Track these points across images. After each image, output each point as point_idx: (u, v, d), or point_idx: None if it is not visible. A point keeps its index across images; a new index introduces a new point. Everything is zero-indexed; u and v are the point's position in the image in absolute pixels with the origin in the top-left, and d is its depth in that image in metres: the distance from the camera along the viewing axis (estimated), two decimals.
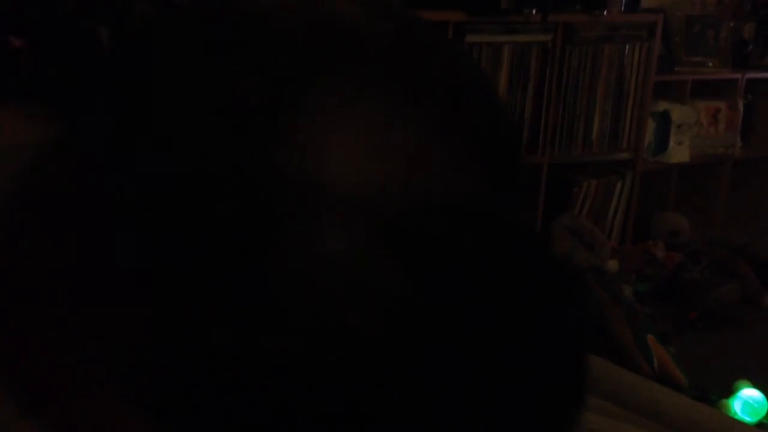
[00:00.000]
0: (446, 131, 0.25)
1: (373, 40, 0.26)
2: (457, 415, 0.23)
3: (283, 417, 0.22)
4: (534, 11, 2.58)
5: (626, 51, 2.90)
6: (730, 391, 2.07)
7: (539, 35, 2.66)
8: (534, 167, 2.79)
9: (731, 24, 3.50)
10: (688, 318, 2.58)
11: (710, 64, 3.38)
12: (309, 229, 0.22)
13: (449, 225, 0.23)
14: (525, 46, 2.63)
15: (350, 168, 0.23)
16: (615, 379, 1.20)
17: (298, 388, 0.22)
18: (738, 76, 3.44)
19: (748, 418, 2.00)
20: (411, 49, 0.26)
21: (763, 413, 2.01)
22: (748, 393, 2.04)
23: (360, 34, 0.25)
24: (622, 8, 2.92)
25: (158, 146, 0.23)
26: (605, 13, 2.77)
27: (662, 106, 3.15)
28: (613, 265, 2.89)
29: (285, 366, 0.22)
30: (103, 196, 0.24)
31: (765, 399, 2.02)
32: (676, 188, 3.36)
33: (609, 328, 2.35)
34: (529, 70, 2.67)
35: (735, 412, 2.01)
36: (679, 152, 3.23)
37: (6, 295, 0.26)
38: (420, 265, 0.23)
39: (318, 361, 0.22)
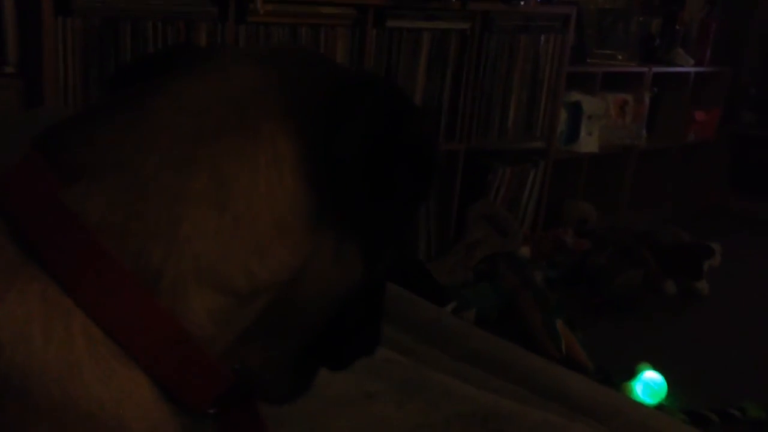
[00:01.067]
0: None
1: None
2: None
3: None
4: None
5: (541, 41, 2.96)
6: (632, 374, 2.15)
7: (458, 23, 2.67)
8: (451, 154, 2.81)
9: (640, 19, 3.62)
10: (594, 303, 2.67)
11: (620, 57, 3.50)
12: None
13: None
14: (444, 33, 2.64)
15: None
16: (524, 364, 1.22)
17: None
18: (645, 69, 3.57)
19: (649, 400, 2.08)
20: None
21: (663, 395, 2.10)
22: (649, 376, 2.12)
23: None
24: None
25: None
26: (522, 3, 2.81)
27: (574, 96, 3.23)
28: (525, 251, 2.96)
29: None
30: None
31: (664, 381, 2.11)
32: (586, 177, 3.47)
33: (520, 313, 2.41)
34: (448, 58, 2.68)
35: (637, 394, 2.10)
36: (589, 142, 3.32)
37: None
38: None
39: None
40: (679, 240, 3.11)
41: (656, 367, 2.16)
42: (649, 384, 2.11)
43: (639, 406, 1.20)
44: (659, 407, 2.06)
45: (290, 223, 0.44)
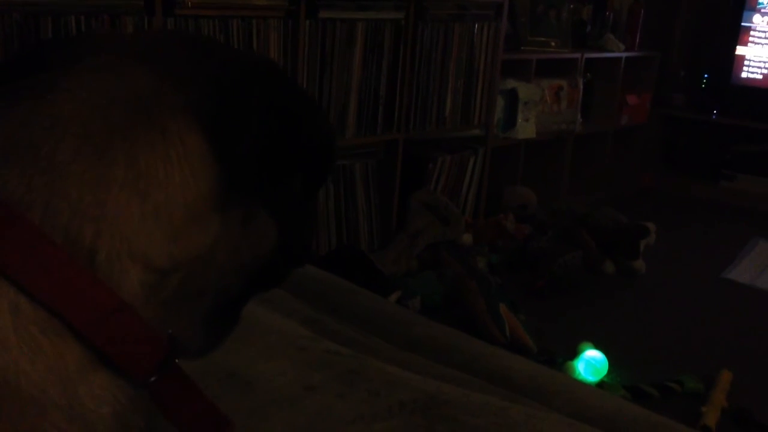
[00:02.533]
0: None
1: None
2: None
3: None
4: None
5: (475, 30, 2.98)
6: (574, 354, 2.19)
7: (392, 12, 2.67)
8: (390, 144, 2.81)
9: (571, 6, 3.68)
10: (536, 286, 2.71)
11: (553, 44, 3.55)
12: None
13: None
14: (378, 23, 2.63)
15: None
16: (467, 349, 1.23)
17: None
18: (578, 55, 3.63)
19: (591, 378, 2.13)
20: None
21: (605, 372, 2.15)
22: (591, 354, 2.16)
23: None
24: None
25: None
26: None
27: (510, 84, 3.27)
28: (467, 238, 2.98)
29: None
30: None
31: (605, 359, 2.16)
32: (524, 163, 3.51)
33: (464, 300, 2.43)
34: (383, 48, 2.68)
35: (579, 373, 2.14)
36: (526, 128, 3.37)
37: None
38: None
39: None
40: (616, 221, 3.18)
41: (597, 346, 2.20)
42: (590, 362, 2.15)
43: (579, 384, 1.22)
44: (601, 384, 2.10)
45: (202, 209, 0.48)
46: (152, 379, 0.47)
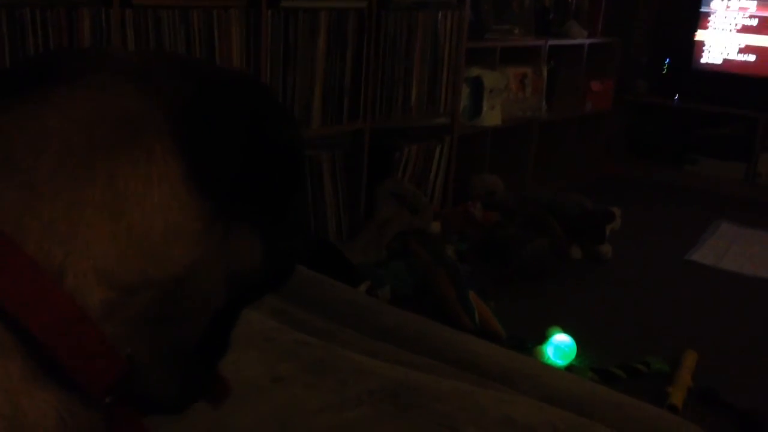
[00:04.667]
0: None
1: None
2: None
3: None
4: None
5: (439, 18, 2.97)
6: (543, 339, 2.21)
7: (355, 1, 2.65)
8: (356, 133, 2.80)
9: None
10: (505, 273, 2.73)
11: (516, 31, 3.56)
12: None
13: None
14: (341, 12, 2.61)
15: None
16: (437, 337, 1.23)
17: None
18: (541, 42, 3.65)
19: (560, 362, 2.15)
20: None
21: (573, 355, 2.17)
22: (559, 338, 2.19)
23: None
24: None
25: None
26: None
27: (475, 72, 3.27)
28: (435, 226, 2.99)
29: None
30: None
31: (574, 343, 2.18)
32: (491, 150, 3.53)
33: (433, 288, 2.43)
34: (347, 37, 2.66)
35: (548, 357, 2.16)
36: (491, 116, 3.38)
37: None
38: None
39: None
40: (583, 207, 3.21)
41: (566, 330, 2.23)
42: (559, 346, 2.17)
43: (547, 368, 1.23)
44: (570, 368, 2.12)
45: (182, 228, 0.48)
46: (107, 400, 0.46)
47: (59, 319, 0.43)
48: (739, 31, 4.20)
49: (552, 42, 3.72)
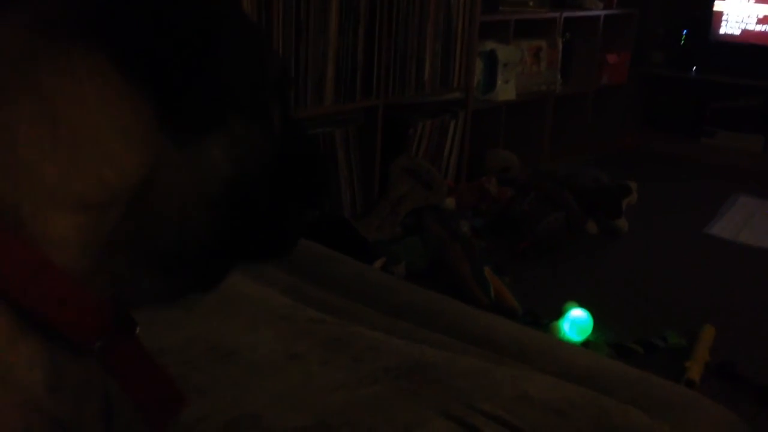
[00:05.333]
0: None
1: None
2: None
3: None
4: None
5: None
6: (559, 314, 2.20)
7: None
8: (370, 110, 2.79)
9: None
10: (520, 248, 2.71)
11: (530, 3, 3.51)
12: None
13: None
14: None
15: None
16: (452, 313, 1.22)
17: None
18: (556, 15, 3.60)
19: (576, 337, 2.14)
20: None
21: (590, 331, 2.16)
22: (575, 314, 2.18)
23: None
24: None
25: None
26: None
27: (489, 45, 3.23)
28: (450, 202, 2.98)
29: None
30: None
31: (590, 318, 2.17)
32: (505, 125, 3.50)
33: (448, 264, 2.43)
34: (359, 12, 2.63)
35: (565, 333, 2.15)
36: (506, 90, 3.34)
37: None
38: None
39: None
40: (598, 181, 3.18)
41: (582, 305, 2.21)
42: (575, 322, 2.16)
43: (564, 344, 1.23)
44: (586, 343, 2.12)
45: (129, 127, 0.44)
46: (97, 344, 0.45)
47: (21, 268, 0.40)
48: (757, 1, 4.11)
49: (567, 14, 3.67)
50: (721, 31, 4.24)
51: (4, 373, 0.40)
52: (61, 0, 0.46)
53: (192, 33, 0.46)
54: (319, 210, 0.58)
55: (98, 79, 0.44)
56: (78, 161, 0.42)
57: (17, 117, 0.41)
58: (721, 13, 4.22)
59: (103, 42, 0.44)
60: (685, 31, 4.40)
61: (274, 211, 0.54)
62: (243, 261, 0.56)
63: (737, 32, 4.20)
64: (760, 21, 4.13)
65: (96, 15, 0.45)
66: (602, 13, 3.88)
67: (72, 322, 0.43)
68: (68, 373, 0.44)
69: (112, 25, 0.45)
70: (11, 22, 0.45)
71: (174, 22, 0.46)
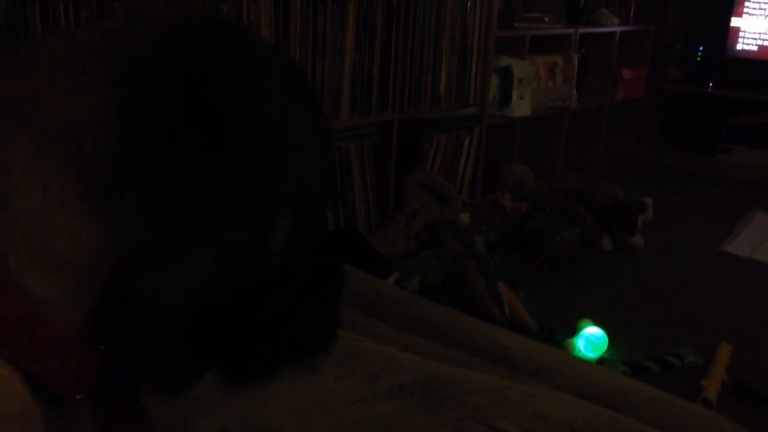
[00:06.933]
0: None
1: None
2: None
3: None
4: None
5: (468, 6, 2.95)
6: (574, 331, 2.19)
7: None
8: (385, 124, 2.80)
9: None
10: (535, 264, 2.71)
11: (546, 19, 3.52)
12: None
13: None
14: (370, 1, 2.60)
15: None
16: (466, 329, 1.22)
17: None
18: (572, 31, 3.60)
19: (591, 354, 2.13)
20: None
21: (605, 348, 2.15)
22: (590, 331, 2.17)
23: None
24: None
25: None
26: None
27: (504, 61, 3.24)
28: (465, 217, 2.98)
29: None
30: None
31: (605, 335, 2.16)
32: (520, 141, 3.50)
33: (463, 279, 2.42)
34: (376, 27, 2.65)
35: (579, 350, 2.14)
36: (521, 106, 3.35)
37: None
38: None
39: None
40: (614, 197, 3.17)
41: (597, 322, 2.20)
42: (590, 339, 2.15)
43: (579, 361, 1.22)
44: (601, 361, 2.10)
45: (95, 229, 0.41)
46: (78, 396, 0.43)
47: (9, 322, 0.39)
48: None
49: (583, 30, 3.67)
50: (738, 47, 4.22)
51: None
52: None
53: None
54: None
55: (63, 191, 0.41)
56: (58, 222, 0.40)
57: (12, 159, 0.41)
58: (738, 29, 4.21)
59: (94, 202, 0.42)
60: (701, 48, 4.39)
61: (277, 316, 0.51)
62: (277, 361, 0.54)
63: (754, 48, 4.18)
64: None
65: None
66: (618, 29, 3.88)
67: (57, 374, 0.42)
68: (55, 425, 0.43)
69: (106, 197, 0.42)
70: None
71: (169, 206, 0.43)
